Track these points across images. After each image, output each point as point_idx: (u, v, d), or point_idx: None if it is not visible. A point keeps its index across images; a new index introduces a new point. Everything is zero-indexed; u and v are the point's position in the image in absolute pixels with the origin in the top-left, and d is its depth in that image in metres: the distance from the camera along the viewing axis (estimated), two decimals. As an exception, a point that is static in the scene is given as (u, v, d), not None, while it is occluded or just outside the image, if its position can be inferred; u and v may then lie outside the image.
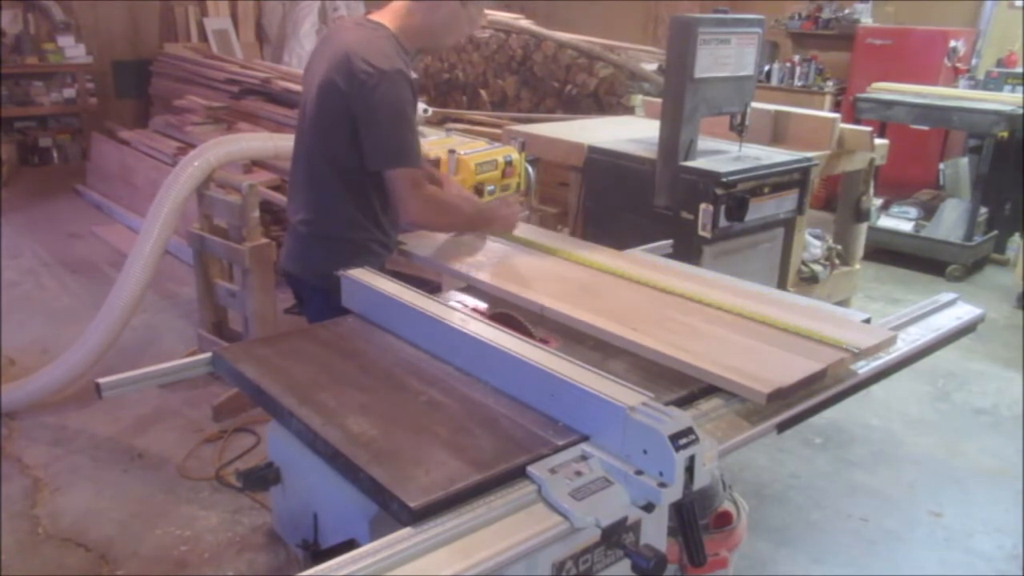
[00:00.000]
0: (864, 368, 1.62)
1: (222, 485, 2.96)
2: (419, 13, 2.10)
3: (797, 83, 7.20)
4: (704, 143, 3.21)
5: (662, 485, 1.19)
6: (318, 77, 2.07)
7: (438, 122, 4.88)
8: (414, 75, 2.07)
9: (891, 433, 3.51)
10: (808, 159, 3.29)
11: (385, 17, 2.12)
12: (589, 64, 5.74)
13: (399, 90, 1.98)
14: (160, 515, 2.81)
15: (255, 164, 4.95)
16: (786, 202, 3.22)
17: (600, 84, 5.63)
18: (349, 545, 1.30)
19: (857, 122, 5.06)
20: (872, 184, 4.20)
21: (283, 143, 4.08)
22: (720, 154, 3.22)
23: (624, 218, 3.32)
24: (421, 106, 4.60)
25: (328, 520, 1.46)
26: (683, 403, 1.45)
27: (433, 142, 2.92)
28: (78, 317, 4.18)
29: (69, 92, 7.78)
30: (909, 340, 1.76)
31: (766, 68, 7.15)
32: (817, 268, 4.10)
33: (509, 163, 3.13)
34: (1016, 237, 5.82)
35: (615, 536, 1.20)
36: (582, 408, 1.33)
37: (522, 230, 2.36)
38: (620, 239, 2.40)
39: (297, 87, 5.15)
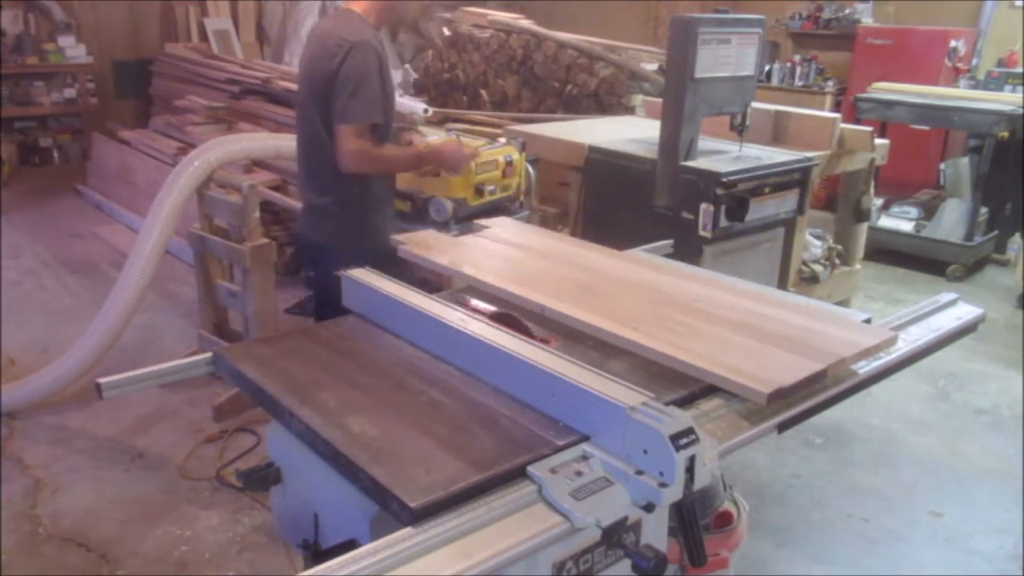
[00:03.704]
0: (864, 368, 1.62)
1: (222, 485, 2.96)
2: None
3: (797, 83, 7.19)
4: (704, 143, 3.21)
5: (663, 485, 1.18)
6: (307, 65, 2.48)
7: (438, 122, 4.87)
8: (408, 64, 2.27)
9: (892, 433, 3.51)
10: (808, 159, 3.29)
11: (357, 5, 2.55)
12: (589, 64, 5.74)
13: (364, 56, 2.38)
14: (161, 515, 2.81)
15: (255, 164, 4.95)
16: (786, 202, 3.22)
17: (600, 84, 5.63)
18: (349, 545, 1.30)
19: (857, 122, 5.06)
20: (872, 184, 4.20)
21: (283, 143, 4.07)
22: (720, 154, 3.22)
23: (624, 218, 3.32)
24: (421, 106, 4.61)
25: (328, 520, 1.46)
26: (683, 403, 1.45)
27: (434, 142, 2.93)
28: (78, 317, 4.18)
29: (70, 92, 7.79)
30: (910, 340, 1.76)
31: (766, 68, 7.14)
32: (817, 268, 4.10)
33: (509, 163, 3.13)
34: (1016, 237, 5.82)
35: (615, 536, 1.20)
36: (582, 408, 1.33)
37: (522, 230, 2.36)
38: (620, 239, 2.39)
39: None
